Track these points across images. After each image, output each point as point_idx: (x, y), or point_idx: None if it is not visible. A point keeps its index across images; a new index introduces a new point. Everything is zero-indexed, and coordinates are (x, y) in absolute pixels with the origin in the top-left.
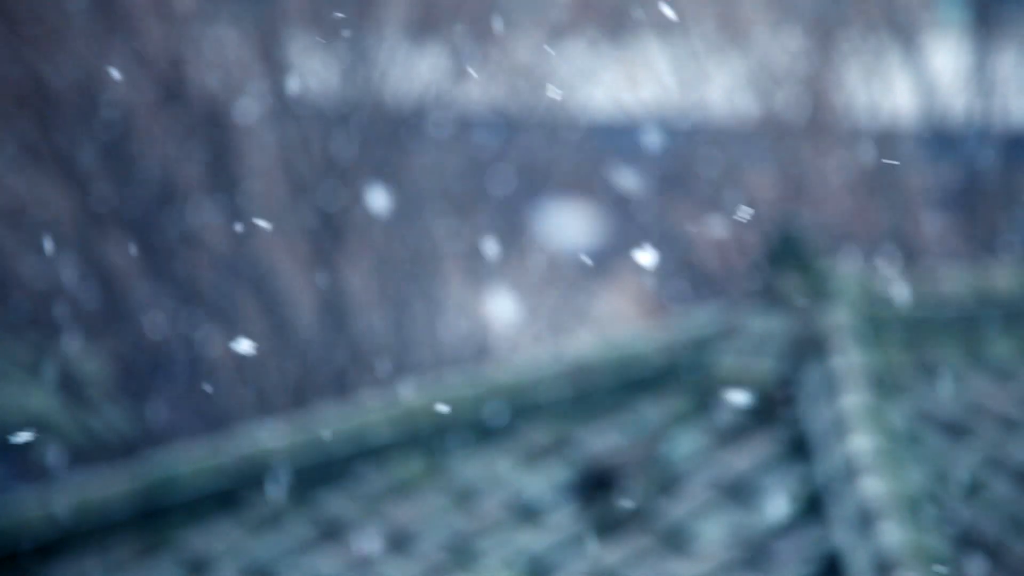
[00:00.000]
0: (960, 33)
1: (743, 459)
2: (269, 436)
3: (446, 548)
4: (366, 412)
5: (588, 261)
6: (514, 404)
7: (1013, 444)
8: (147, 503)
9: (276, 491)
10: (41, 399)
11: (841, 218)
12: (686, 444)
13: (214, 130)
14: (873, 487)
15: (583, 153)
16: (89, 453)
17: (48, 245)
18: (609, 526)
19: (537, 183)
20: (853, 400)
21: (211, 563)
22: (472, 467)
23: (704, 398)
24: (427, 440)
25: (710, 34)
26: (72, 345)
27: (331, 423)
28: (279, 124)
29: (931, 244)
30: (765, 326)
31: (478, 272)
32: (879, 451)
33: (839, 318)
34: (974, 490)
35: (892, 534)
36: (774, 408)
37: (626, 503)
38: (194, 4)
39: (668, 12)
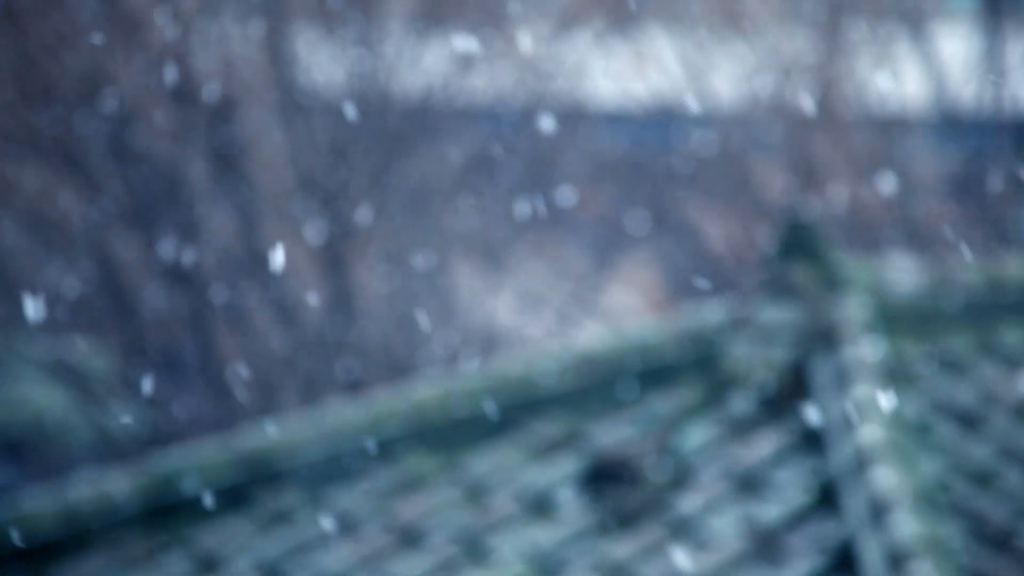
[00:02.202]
0: (969, 21)
1: (755, 451)
2: (279, 432)
3: (457, 543)
4: (376, 407)
5: (597, 253)
6: (524, 398)
7: None
8: (157, 500)
9: (287, 487)
10: (51, 396)
11: (851, 208)
12: (697, 436)
13: (221, 125)
14: (886, 478)
15: (591, 145)
16: (99, 450)
17: (57, 242)
18: (620, 519)
19: (545, 175)
20: (865, 391)
21: (221, 560)
22: (483, 461)
23: (715, 390)
24: (437, 435)
25: (717, 23)
26: (81, 342)
27: (341, 418)
28: (286, 119)
29: (942, 233)
30: (776, 317)
31: (487, 266)
32: (891, 442)
33: (850, 308)
34: (987, 480)
35: (905, 525)
36: (786, 400)
37: (637, 496)
38: None
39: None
